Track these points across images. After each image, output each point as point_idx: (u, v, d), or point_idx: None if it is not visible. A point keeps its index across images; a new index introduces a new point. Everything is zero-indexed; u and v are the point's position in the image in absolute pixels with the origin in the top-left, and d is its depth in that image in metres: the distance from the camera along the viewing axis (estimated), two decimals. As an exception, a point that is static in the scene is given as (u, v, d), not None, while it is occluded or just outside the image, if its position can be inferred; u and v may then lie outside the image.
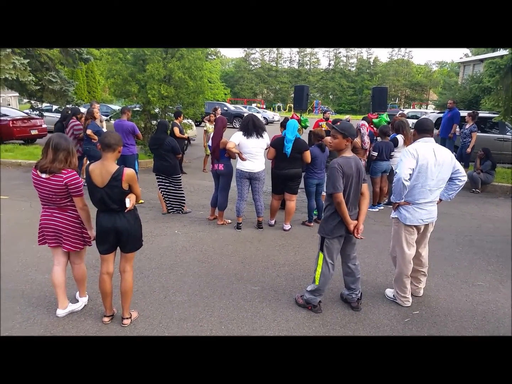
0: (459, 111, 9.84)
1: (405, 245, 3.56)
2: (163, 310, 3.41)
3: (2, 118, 12.25)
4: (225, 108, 24.37)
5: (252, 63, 69.16)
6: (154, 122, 10.42)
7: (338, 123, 3.40)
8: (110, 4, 2.04)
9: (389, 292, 3.85)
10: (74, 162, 3.08)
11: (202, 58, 10.43)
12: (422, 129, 3.49)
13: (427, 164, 3.34)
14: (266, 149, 5.47)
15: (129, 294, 3.18)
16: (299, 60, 69.53)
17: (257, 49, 67.80)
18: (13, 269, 4.13)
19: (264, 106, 47.76)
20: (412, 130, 3.88)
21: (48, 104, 14.01)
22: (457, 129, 9.59)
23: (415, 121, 4.14)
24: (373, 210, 6.81)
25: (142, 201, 6.53)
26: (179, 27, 2.15)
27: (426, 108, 45.96)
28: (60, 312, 3.28)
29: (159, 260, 4.44)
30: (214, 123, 9.36)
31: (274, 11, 2.11)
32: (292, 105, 27.84)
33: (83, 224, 3.22)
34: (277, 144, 5.37)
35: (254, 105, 41.28)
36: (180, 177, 6.18)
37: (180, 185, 6.17)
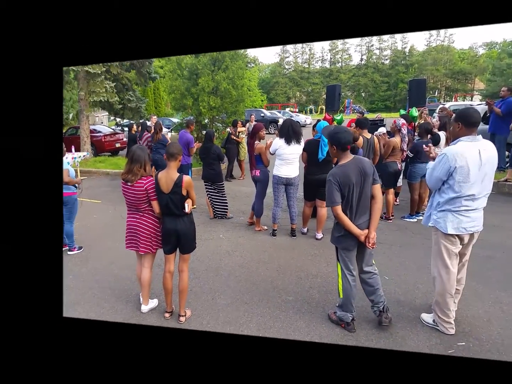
0: None
1: (447, 257, 2.80)
2: (211, 312, 3.38)
3: (97, 134, 13.81)
4: (262, 115, 23.73)
5: (286, 66, 61.69)
6: (204, 132, 10.77)
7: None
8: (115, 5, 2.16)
9: (427, 317, 3.09)
10: (148, 170, 3.15)
11: (243, 67, 10.39)
12: (471, 122, 2.66)
13: (469, 171, 2.62)
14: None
15: (185, 293, 3.22)
16: (330, 58, 60.72)
17: (291, 51, 61.05)
18: (101, 263, 4.49)
19: (297, 110, 42.64)
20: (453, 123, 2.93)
21: (126, 120, 15.37)
22: None
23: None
24: (412, 220, 5.75)
25: (195, 206, 6.89)
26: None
27: (471, 100, 36.06)
28: (144, 308, 3.41)
29: (207, 263, 4.43)
30: (247, 130, 9.57)
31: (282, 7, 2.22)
32: (324, 106, 26.37)
33: (158, 229, 3.27)
34: (309, 148, 4.77)
35: (287, 109, 37.15)
36: (223, 184, 6.16)
37: (224, 191, 6.15)
